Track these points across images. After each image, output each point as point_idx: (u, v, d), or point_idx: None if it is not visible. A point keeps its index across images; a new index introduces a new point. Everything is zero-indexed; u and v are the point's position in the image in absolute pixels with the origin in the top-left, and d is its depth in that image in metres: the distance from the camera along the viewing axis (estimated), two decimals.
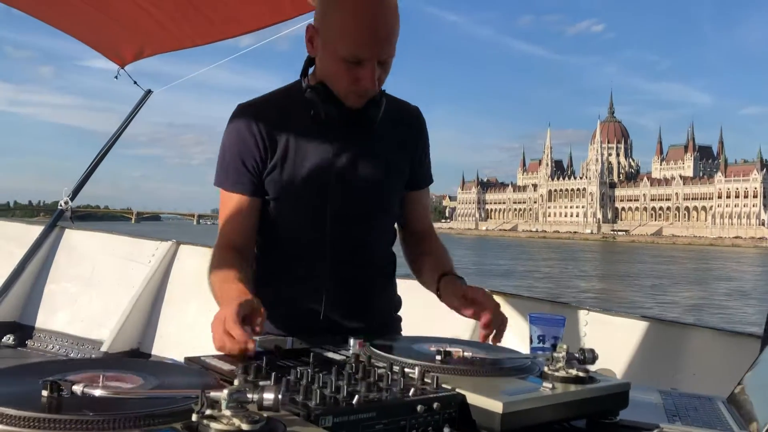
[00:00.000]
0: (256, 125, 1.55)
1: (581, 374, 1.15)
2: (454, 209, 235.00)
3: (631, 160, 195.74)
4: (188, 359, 1.17)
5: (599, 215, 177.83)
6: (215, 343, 1.25)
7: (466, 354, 1.18)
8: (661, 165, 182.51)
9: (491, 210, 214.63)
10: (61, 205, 5.75)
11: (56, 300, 5.50)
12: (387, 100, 1.62)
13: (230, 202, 1.58)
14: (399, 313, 1.79)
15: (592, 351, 1.20)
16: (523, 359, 1.23)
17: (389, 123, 1.61)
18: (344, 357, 1.21)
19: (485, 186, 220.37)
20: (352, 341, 1.32)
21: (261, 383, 0.85)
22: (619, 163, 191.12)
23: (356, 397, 0.91)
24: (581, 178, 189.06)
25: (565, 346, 1.19)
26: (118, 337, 5.59)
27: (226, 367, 1.12)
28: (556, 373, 1.15)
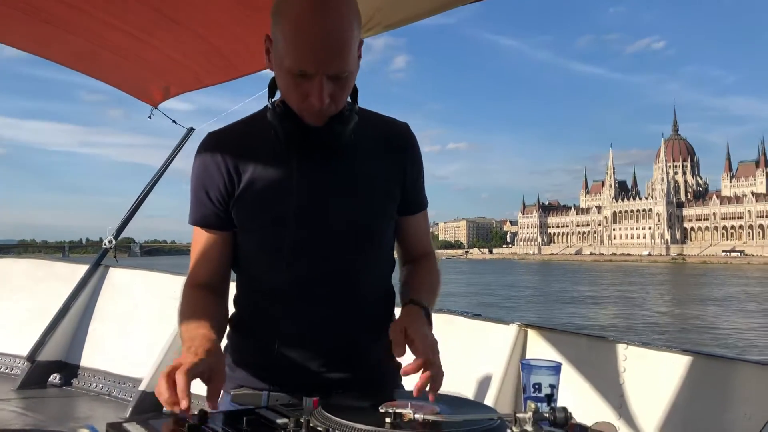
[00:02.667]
0: (220, 154, 1.43)
1: None
2: (515, 234, 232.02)
3: (698, 178, 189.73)
4: None
5: (667, 236, 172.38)
6: (156, 388, 1.14)
7: (418, 416, 1.06)
8: (730, 182, 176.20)
9: (554, 234, 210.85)
10: (105, 244, 5.83)
11: (100, 339, 5.56)
12: (372, 118, 1.50)
13: (198, 236, 1.48)
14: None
15: (564, 410, 1.06)
16: (488, 420, 1.09)
17: (374, 142, 1.48)
18: (287, 420, 1.10)
19: (547, 209, 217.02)
20: (306, 400, 1.21)
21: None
22: (685, 181, 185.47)
23: None
24: (647, 198, 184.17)
25: (533, 405, 1.06)
26: (156, 376, 5.63)
27: None
28: None
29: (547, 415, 1.06)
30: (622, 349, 3.24)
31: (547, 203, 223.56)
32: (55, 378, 5.39)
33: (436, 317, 4.03)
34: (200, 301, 1.42)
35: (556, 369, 1.49)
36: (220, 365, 1.23)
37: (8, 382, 5.32)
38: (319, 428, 1.01)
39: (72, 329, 5.63)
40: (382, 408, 1.07)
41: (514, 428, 1.03)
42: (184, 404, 1.09)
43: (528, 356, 3.71)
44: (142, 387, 5.67)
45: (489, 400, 3.34)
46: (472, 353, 3.68)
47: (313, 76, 1.29)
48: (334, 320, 1.45)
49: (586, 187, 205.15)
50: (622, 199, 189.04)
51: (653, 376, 3.12)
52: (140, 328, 5.33)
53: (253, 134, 1.45)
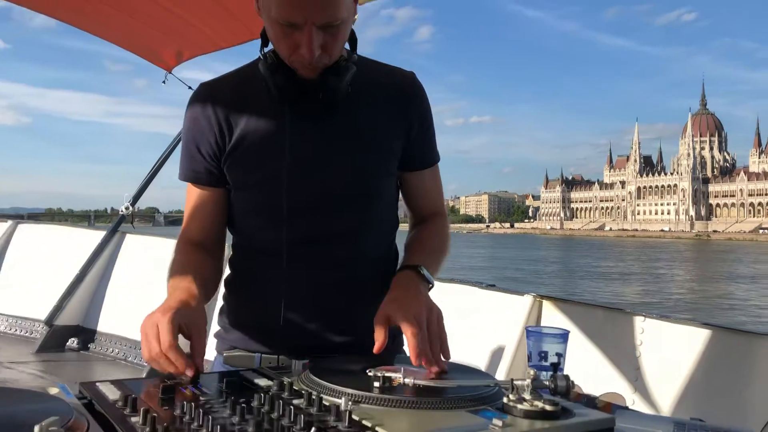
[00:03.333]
0: (211, 107, 1.36)
1: (548, 407, 0.95)
2: (537, 209, 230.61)
3: (725, 153, 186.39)
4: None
5: (692, 212, 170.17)
6: (144, 352, 1.10)
7: (408, 380, 1.00)
8: (759, 158, 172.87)
9: (577, 209, 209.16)
10: (121, 211, 5.84)
11: (116, 304, 5.60)
12: (373, 68, 1.41)
13: (190, 193, 1.43)
14: None
15: (566, 378, 1.00)
16: (484, 387, 1.03)
17: (375, 94, 1.39)
18: (270, 383, 1.04)
19: (570, 184, 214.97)
20: (295, 363, 1.16)
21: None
22: (712, 157, 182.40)
23: None
24: (672, 173, 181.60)
25: (532, 372, 0.99)
26: None
27: None
28: (519, 406, 0.95)
29: (547, 383, 0.99)
30: (639, 321, 3.16)
31: (570, 178, 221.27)
32: (72, 342, 5.45)
33: (450, 288, 3.99)
34: (188, 257, 1.36)
35: (563, 336, 1.42)
36: (198, 319, 1.17)
37: (27, 345, 5.38)
38: (303, 391, 0.96)
39: (89, 294, 5.67)
40: (370, 372, 1.01)
41: (510, 396, 0.96)
42: (189, 373, 1.06)
43: (568, 330, 3.64)
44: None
45: (501, 371, 3.29)
46: (485, 324, 3.63)
47: (301, 25, 1.21)
48: (331, 282, 1.38)
49: (611, 161, 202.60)
50: (647, 175, 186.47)
51: (670, 349, 3.04)
52: (156, 294, 5.34)
53: (246, 86, 1.37)
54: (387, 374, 1.00)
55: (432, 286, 1.33)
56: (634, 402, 3.02)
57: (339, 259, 1.38)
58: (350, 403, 0.93)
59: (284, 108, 1.32)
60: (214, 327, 1.47)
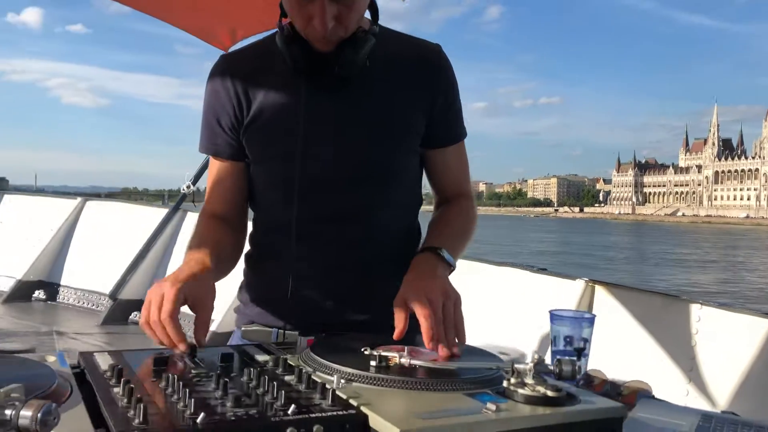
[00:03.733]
0: (230, 79, 1.34)
1: (550, 393, 0.90)
2: (608, 193, 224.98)
3: None
4: None
5: None
6: (142, 317, 1.09)
7: (405, 361, 0.96)
8: None
9: (649, 193, 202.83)
10: (183, 190, 5.98)
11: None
12: (395, 40, 1.37)
13: (212, 167, 1.41)
14: None
15: (571, 363, 0.94)
16: (485, 370, 0.98)
17: (396, 67, 1.34)
18: (268, 358, 1.02)
19: (643, 168, 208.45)
20: (300, 340, 1.14)
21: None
22: None
23: (201, 415, 0.74)
24: (753, 157, 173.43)
25: (536, 356, 0.94)
26: (226, 317, 5.79)
27: None
28: (520, 390, 0.91)
29: (551, 367, 0.94)
30: (696, 309, 3.02)
31: (643, 161, 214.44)
32: (135, 316, 5.64)
33: (499, 271, 3.91)
34: (207, 231, 1.35)
35: (589, 321, 1.36)
36: (205, 292, 1.15)
37: (93, 317, 5.62)
38: (298, 367, 0.94)
39: (151, 269, 5.85)
40: (366, 350, 0.98)
41: (512, 379, 0.92)
42: (182, 348, 1.04)
43: (594, 314, 3.53)
44: (213, 327, 5.87)
45: (546, 360, 3.20)
46: (533, 309, 3.54)
47: None
48: (347, 260, 1.35)
49: (687, 144, 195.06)
50: (726, 158, 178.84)
51: (729, 339, 2.89)
52: None
53: (266, 58, 1.34)
54: (384, 353, 0.97)
55: (453, 269, 1.29)
56: (688, 393, 2.90)
57: (351, 239, 1.35)
58: (342, 381, 0.91)
59: (299, 82, 1.30)
60: (236, 302, 1.47)
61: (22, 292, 6.50)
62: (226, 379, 0.84)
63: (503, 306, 3.64)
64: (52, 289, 6.62)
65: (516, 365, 0.94)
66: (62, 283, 6.66)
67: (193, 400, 0.76)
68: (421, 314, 1.10)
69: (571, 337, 1.35)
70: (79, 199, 7.01)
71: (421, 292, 1.14)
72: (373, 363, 0.96)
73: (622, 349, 3.17)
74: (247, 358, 1.04)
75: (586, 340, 1.35)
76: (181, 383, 0.82)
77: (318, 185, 1.32)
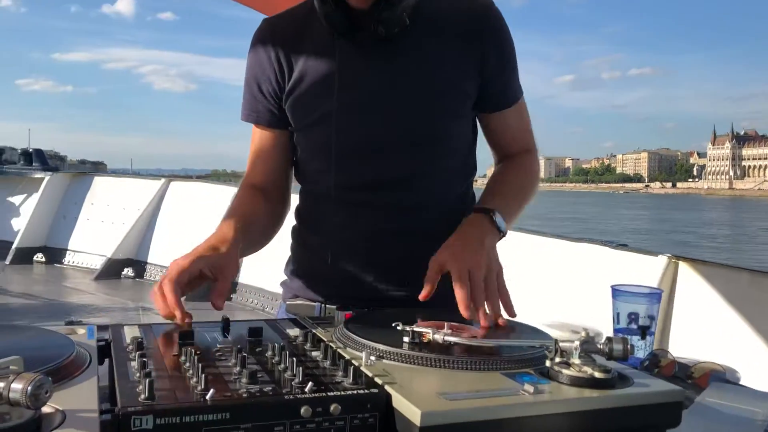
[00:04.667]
0: (272, 44, 1.29)
1: (598, 374, 0.81)
2: (702, 167, 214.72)
3: None
4: None
5: None
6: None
7: (439, 337, 0.89)
8: None
9: (749, 167, 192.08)
10: None
11: (255, 257, 5.85)
12: None
13: (254, 135, 1.37)
14: None
15: (623, 341, 0.84)
16: (531, 348, 0.90)
17: (441, 26, 1.25)
18: (298, 332, 0.98)
19: (742, 140, 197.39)
20: (337, 315, 1.10)
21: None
22: None
23: (210, 391, 0.70)
24: None
25: (583, 333, 0.85)
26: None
27: None
28: (564, 371, 0.82)
29: (601, 346, 0.85)
30: None
31: (742, 133, 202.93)
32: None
33: (576, 248, 3.75)
34: (241, 202, 1.32)
35: (655, 297, 1.25)
36: (226, 262, 1.11)
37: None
38: (326, 343, 0.89)
39: None
40: (399, 326, 0.92)
41: (556, 359, 0.84)
42: (178, 315, 1.00)
43: (678, 291, 3.34)
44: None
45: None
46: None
47: None
48: (389, 231, 1.28)
49: None
50: None
51: None
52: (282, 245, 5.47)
53: (307, 20, 1.29)
54: (417, 329, 0.91)
55: (503, 235, 1.20)
56: None
57: (394, 208, 1.28)
58: (372, 358, 0.86)
59: (337, 42, 1.24)
60: (282, 276, 1.45)
61: (112, 270, 6.81)
62: (245, 354, 0.80)
63: (580, 283, 3.50)
64: (139, 266, 6.90)
65: (562, 343, 0.85)
66: (149, 260, 6.94)
67: (204, 375, 0.72)
68: (457, 284, 1.04)
69: (636, 314, 1.24)
70: (163, 180, 7.26)
71: (461, 259, 1.08)
72: (406, 339, 0.90)
73: (707, 329, 2.98)
74: (278, 333, 1.00)
75: (652, 318, 1.25)
76: (197, 358, 0.78)
77: (352, 153, 1.26)
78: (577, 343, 0.84)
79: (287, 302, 1.36)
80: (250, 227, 1.24)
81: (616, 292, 1.25)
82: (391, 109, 1.24)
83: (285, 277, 1.44)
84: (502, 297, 1.06)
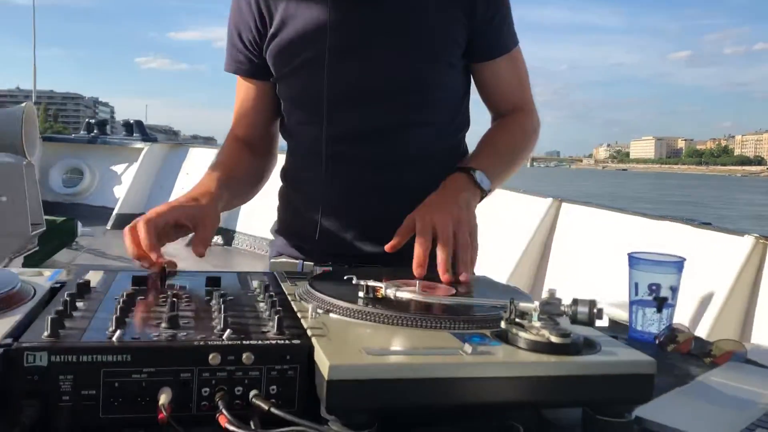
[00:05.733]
0: None
1: (555, 338, 0.72)
2: None
3: None
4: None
5: None
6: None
7: (390, 292, 0.83)
8: None
9: None
10: None
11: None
12: None
13: (237, 86, 1.33)
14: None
15: (590, 304, 0.75)
16: (487, 308, 0.82)
17: None
18: (256, 287, 0.93)
19: None
20: (315, 270, 1.05)
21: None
22: None
23: (117, 332, 0.67)
24: None
25: (546, 294, 0.77)
26: None
27: None
28: (521, 334, 0.74)
29: (564, 308, 0.76)
30: None
31: None
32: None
33: (657, 225, 3.54)
34: (225, 156, 1.30)
35: (675, 266, 1.13)
36: (205, 213, 1.08)
37: (263, 261, 5.95)
38: (273, 295, 0.85)
39: None
40: (356, 281, 0.86)
41: (517, 321, 0.75)
42: (153, 256, 0.97)
43: (766, 277, 3.06)
44: None
45: (704, 326, 2.83)
46: (691, 269, 3.15)
47: None
48: (372, 186, 1.24)
49: None
50: None
51: None
52: None
53: None
54: (371, 284, 0.85)
55: (486, 194, 1.13)
56: None
57: (382, 160, 1.23)
58: (319, 311, 0.81)
59: None
60: (270, 236, 1.44)
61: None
62: (174, 300, 0.77)
63: None
64: (228, 235, 7.12)
65: (522, 303, 0.77)
66: (237, 229, 7.15)
67: (115, 317, 0.70)
68: (419, 237, 0.99)
69: (657, 285, 1.13)
70: None
71: (429, 216, 1.02)
72: (361, 294, 0.85)
73: None
74: (239, 284, 0.97)
75: (674, 289, 1.12)
76: (127, 302, 0.77)
77: (345, 100, 1.20)
78: (536, 303, 0.76)
79: (270, 260, 1.34)
80: (233, 180, 1.22)
81: (633, 259, 1.14)
82: (379, 54, 1.19)
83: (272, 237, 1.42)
84: (466, 254, 1.00)
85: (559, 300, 0.77)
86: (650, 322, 1.12)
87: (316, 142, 1.23)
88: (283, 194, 1.39)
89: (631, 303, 1.14)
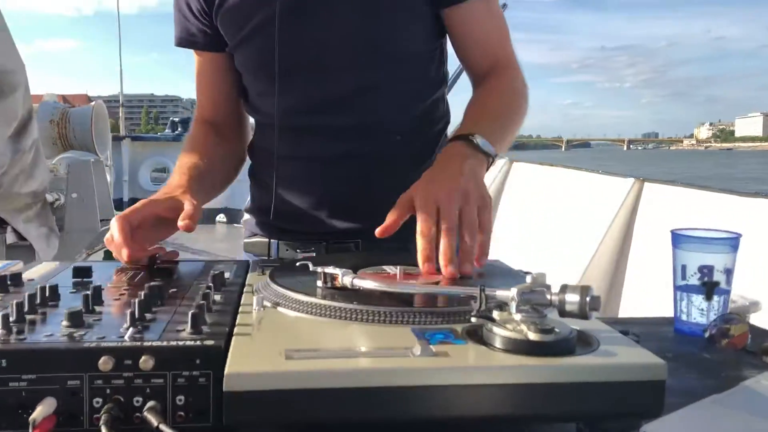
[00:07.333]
0: None
1: (533, 336, 0.57)
2: None
3: None
4: None
5: None
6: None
7: (347, 280, 0.68)
8: None
9: None
10: None
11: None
12: None
13: (197, 64, 1.22)
14: None
15: (582, 291, 0.58)
16: (459, 300, 0.66)
17: None
18: (209, 278, 0.81)
19: None
20: (296, 255, 0.94)
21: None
22: None
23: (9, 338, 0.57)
24: None
25: (528, 279, 0.61)
26: None
27: None
28: (495, 330, 0.59)
29: (551, 297, 0.60)
30: None
31: None
32: None
33: (746, 203, 3.22)
34: (191, 144, 1.19)
35: (730, 243, 0.93)
36: (185, 200, 0.97)
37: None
38: (230, 287, 0.73)
39: None
40: (314, 268, 0.73)
41: (494, 313, 0.60)
42: (125, 253, 0.88)
43: (740, 233, 2.69)
44: None
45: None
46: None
47: None
48: (337, 158, 1.12)
49: None
50: None
51: None
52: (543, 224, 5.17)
53: None
54: (329, 271, 0.72)
55: (492, 161, 0.96)
56: None
57: (341, 130, 1.11)
58: (267, 304, 0.69)
59: None
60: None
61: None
62: (88, 293, 0.66)
63: (747, 245, 2.97)
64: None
65: (498, 291, 0.62)
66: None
67: (1, 314, 0.60)
68: (420, 227, 0.82)
69: (709, 267, 0.93)
70: None
71: (430, 191, 0.85)
72: (319, 283, 0.72)
73: None
74: (198, 274, 0.86)
75: (728, 271, 0.93)
76: (46, 296, 0.67)
77: (298, 67, 1.09)
78: (514, 291, 0.60)
79: (244, 240, 1.25)
80: (203, 173, 1.11)
81: (677, 237, 0.95)
82: (333, 12, 1.06)
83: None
84: (476, 234, 0.83)
85: (547, 287, 0.61)
86: (699, 312, 0.94)
87: (274, 113, 1.13)
88: (251, 169, 1.28)
89: (676, 288, 0.95)
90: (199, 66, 1.23)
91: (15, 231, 3.16)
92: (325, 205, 1.14)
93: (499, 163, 5.75)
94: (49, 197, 3.82)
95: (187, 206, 0.96)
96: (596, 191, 4.46)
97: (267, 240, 1.19)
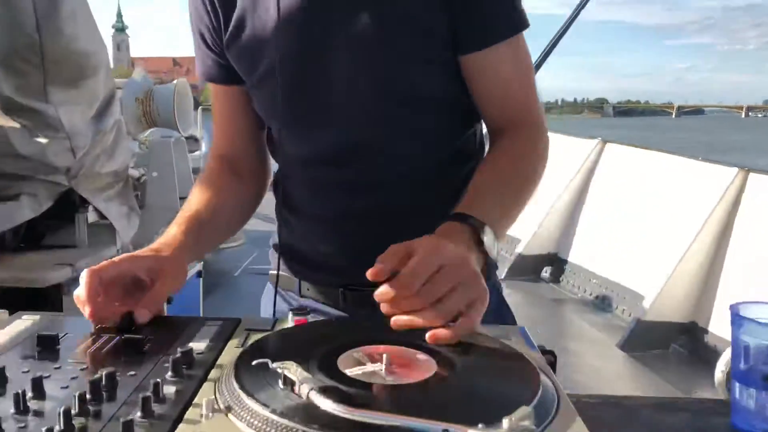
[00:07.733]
0: None
1: None
2: None
3: None
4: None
5: None
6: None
7: (305, 388, 0.58)
8: None
9: None
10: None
11: (589, 229, 5.31)
12: None
13: (213, 96, 1.17)
14: None
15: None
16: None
17: None
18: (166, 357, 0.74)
19: None
20: (290, 316, 0.85)
21: None
22: None
23: None
24: None
25: (505, 424, 0.49)
26: (533, 241, 5.47)
27: None
28: None
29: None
30: None
31: None
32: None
33: None
34: (205, 184, 1.13)
35: None
36: (168, 266, 0.92)
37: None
38: (194, 372, 0.66)
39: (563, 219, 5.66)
40: (275, 366, 0.63)
41: None
42: (87, 311, 0.82)
43: None
44: (519, 249, 5.64)
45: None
46: None
47: None
48: (357, 212, 1.05)
49: None
50: None
51: None
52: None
53: None
54: (289, 374, 0.62)
55: (486, 255, 0.86)
56: None
57: (355, 185, 1.05)
58: (210, 414, 0.60)
59: None
60: None
61: None
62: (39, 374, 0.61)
63: None
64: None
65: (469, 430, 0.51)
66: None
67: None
68: (417, 260, 0.76)
69: None
70: None
71: (431, 246, 0.78)
72: (280, 381, 0.63)
73: None
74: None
75: None
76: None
77: (301, 117, 1.04)
78: (510, 421, 0.49)
79: (270, 272, 1.18)
80: (202, 227, 1.04)
81: (737, 317, 0.79)
82: (341, 59, 0.98)
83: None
84: (460, 316, 0.75)
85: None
86: (763, 407, 0.78)
87: (291, 158, 1.10)
88: (276, 206, 1.21)
89: (734, 375, 0.80)
90: (217, 100, 1.17)
91: (96, 210, 3.25)
92: (347, 257, 1.07)
93: (591, 144, 5.46)
94: (135, 172, 3.93)
95: (159, 287, 0.90)
96: (694, 180, 4.12)
97: (290, 276, 1.15)
